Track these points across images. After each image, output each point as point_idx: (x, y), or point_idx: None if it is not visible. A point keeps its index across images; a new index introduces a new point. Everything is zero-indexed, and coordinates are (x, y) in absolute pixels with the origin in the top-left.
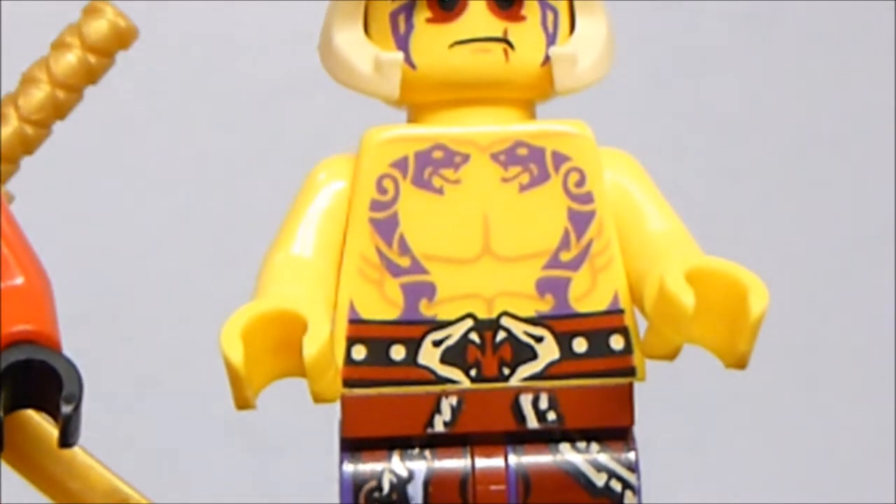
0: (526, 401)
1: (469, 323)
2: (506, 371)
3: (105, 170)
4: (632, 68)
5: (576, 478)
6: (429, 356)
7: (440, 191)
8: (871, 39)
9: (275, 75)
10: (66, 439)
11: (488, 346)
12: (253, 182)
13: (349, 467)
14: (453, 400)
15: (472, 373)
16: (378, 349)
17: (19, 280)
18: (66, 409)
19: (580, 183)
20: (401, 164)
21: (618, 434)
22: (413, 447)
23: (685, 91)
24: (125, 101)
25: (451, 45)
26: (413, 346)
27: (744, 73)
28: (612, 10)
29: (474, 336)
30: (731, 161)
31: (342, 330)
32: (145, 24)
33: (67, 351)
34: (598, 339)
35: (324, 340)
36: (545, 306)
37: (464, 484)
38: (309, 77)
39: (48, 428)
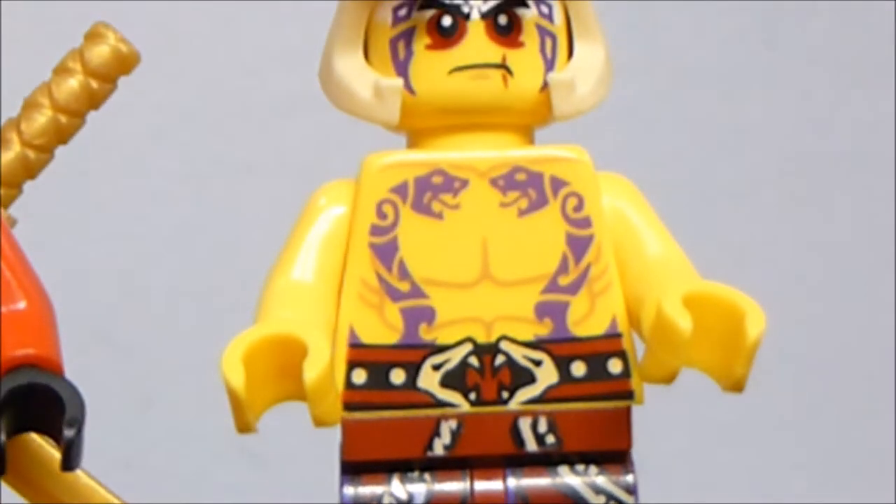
0: (525, 424)
1: (468, 347)
2: (505, 395)
3: (105, 191)
4: (628, 90)
5: (574, 500)
6: (428, 380)
7: (439, 216)
8: (871, 59)
9: (276, 95)
10: (69, 463)
11: (487, 370)
12: (255, 203)
13: (349, 490)
14: (453, 423)
15: (472, 396)
16: (378, 373)
17: (22, 304)
18: (68, 433)
19: (578, 207)
20: (401, 190)
21: (616, 457)
22: (413, 470)
23: (681, 111)
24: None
25: (451, 72)
26: (413, 370)
27: (742, 93)
28: (609, 31)
29: (473, 360)
30: (729, 182)
31: (342, 354)
32: (147, 46)
33: (69, 370)
34: (596, 363)
35: (324, 365)
36: (544, 330)
37: None
38: (311, 97)
39: (50, 450)
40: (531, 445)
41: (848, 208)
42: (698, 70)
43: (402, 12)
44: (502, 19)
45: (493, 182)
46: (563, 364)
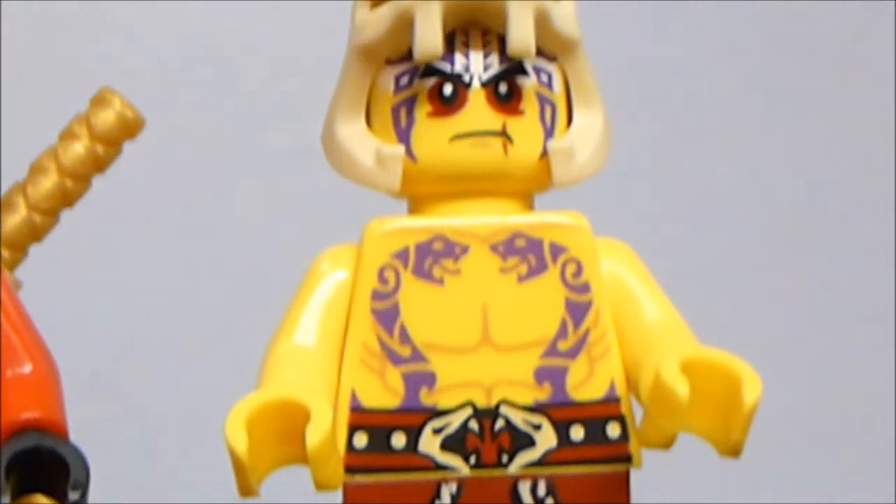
0: (524, 488)
1: (468, 411)
2: (504, 458)
3: (109, 244)
4: (626, 151)
5: None
6: (429, 444)
7: (440, 281)
8: (869, 114)
9: (278, 153)
10: None
11: (487, 434)
12: (257, 260)
13: None
14: (453, 487)
15: (472, 460)
16: (379, 437)
17: (27, 368)
18: (73, 495)
19: (577, 273)
20: (402, 255)
21: None
22: None
23: (680, 168)
24: (126, 175)
25: (452, 139)
26: (414, 434)
27: (738, 149)
28: (605, 92)
29: (473, 424)
30: (726, 240)
31: (344, 418)
32: (150, 102)
33: (72, 421)
34: (594, 427)
35: (326, 429)
36: (543, 394)
37: None
38: (313, 155)
39: None
40: None
41: (846, 264)
42: (696, 126)
43: (404, 80)
44: (503, 87)
45: (494, 248)
46: (562, 428)
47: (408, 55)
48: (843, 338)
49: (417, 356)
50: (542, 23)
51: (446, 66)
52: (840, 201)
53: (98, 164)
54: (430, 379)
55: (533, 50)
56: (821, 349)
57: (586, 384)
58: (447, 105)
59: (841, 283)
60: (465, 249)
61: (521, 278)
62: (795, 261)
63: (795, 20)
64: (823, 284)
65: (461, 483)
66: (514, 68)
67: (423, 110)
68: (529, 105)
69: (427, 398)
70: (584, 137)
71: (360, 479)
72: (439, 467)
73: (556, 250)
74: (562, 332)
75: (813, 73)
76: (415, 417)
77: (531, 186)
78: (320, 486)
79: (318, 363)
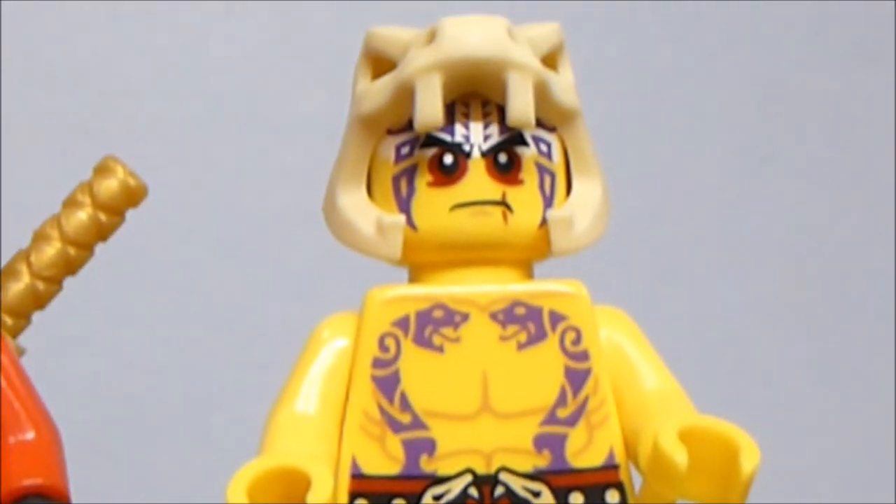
0: None
1: (468, 478)
2: None
3: (108, 309)
4: (625, 219)
5: None
6: None
7: (440, 349)
8: (867, 174)
9: (280, 217)
10: None
11: (487, 501)
12: (258, 323)
13: None
14: None
15: None
16: None
17: (30, 434)
18: None
19: (576, 341)
20: (402, 323)
21: None
22: None
23: (679, 228)
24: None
25: (452, 208)
26: (414, 501)
27: (740, 209)
28: (604, 158)
29: (473, 491)
30: (727, 300)
31: (345, 485)
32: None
33: (73, 484)
34: (593, 494)
35: (327, 497)
36: (542, 462)
37: None
38: (314, 219)
39: None
40: None
41: (847, 324)
42: (696, 187)
43: (405, 150)
44: (502, 157)
45: (493, 316)
46: (561, 495)
47: (408, 125)
48: (843, 406)
49: (418, 423)
50: (542, 94)
51: (447, 136)
52: (842, 255)
53: (101, 232)
54: (430, 446)
55: (532, 121)
56: (820, 415)
57: (585, 451)
58: (447, 175)
59: (842, 352)
60: (465, 317)
61: (520, 346)
62: (796, 329)
63: (793, 89)
64: (824, 352)
65: None
66: (513, 138)
67: (423, 180)
68: (529, 175)
69: (427, 465)
70: (583, 207)
71: None
72: None
73: (556, 318)
74: (561, 400)
75: (808, 137)
76: (415, 484)
77: (531, 255)
78: None
79: (318, 430)
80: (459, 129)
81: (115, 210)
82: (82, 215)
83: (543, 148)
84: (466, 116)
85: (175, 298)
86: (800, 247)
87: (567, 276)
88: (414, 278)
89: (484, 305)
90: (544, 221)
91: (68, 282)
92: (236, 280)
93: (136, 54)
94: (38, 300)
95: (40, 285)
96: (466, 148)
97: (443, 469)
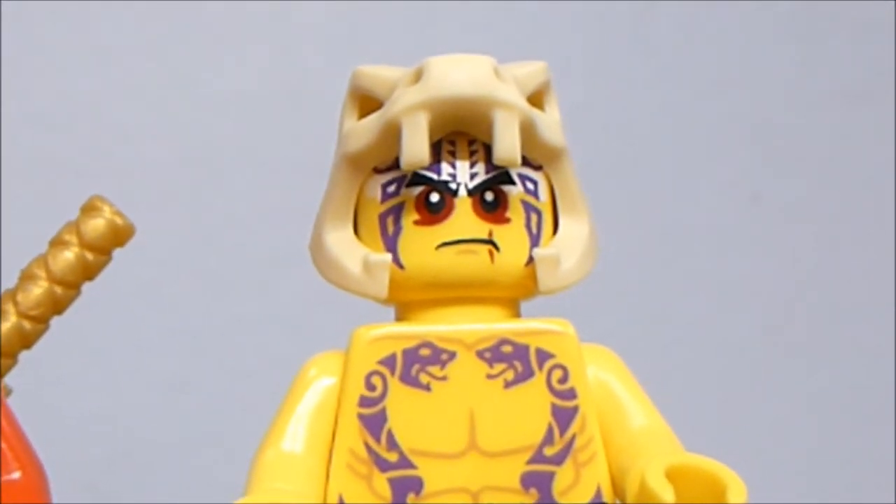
0: None
1: None
2: None
3: (94, 344)
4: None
5: None
6: None
7: (427, 387)
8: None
9: (267, 254)
10: None
11: None
12: (245, 359)
13: None
14: None
15: None
16: None
17: (16, 475)
18: None
19: (563, 379)
20: (389, 362)
21: None
22: None
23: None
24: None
25: (438, 247)
26: None
27: (729, 248)
28: (592, 196)
29: None
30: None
31: None
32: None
33: None
34: None
35: None
36: (530, 500)
37: None
38: (300, 256)
39: None
40: None
41: (838, 362)
42: (685, 227)
43: (392, 188)
44: (489, 196)
45: (480, 354)
46: None
47: (395, 164)
48: (831, 446)
49: (404, 462)
50: (528, 132)
51: (433, 175)
52: (832, 294)
53: (87, 272)
54: (417, 485)
55: (519, 159)
56: (808, 454)
57: (573, 490)
58: (434, 213)
59: (832, 391)
60: (451, 356)
61: (507, 384)
62: (784, 367)
63: (782, 128)
64: (813, 391)
65: None
66: (500, 177)
67: (410, 218)
68: (515, 213)
69: None
70: (569, 245)
71: None
72: None
73: (543, 356)
74: (548, 438)
75: (797, 176)
76: None
77: (517, 293)
78: None
79: (305, 469)
80: (446, 167)
81: (102, 249)
82: (69, 255)
83: (530, 186)
84: (453, 155)
85: (161, 338)
86: (788, 285)
87: (554, 315)
88: (401, 317)
89: (471, 344)
90: (531, 260)
91: (55, 321)
92: (223, 319)
93: (123, 96)
94: (25, 339)
95: (27, 324)
96: (453, 186)
97: None
